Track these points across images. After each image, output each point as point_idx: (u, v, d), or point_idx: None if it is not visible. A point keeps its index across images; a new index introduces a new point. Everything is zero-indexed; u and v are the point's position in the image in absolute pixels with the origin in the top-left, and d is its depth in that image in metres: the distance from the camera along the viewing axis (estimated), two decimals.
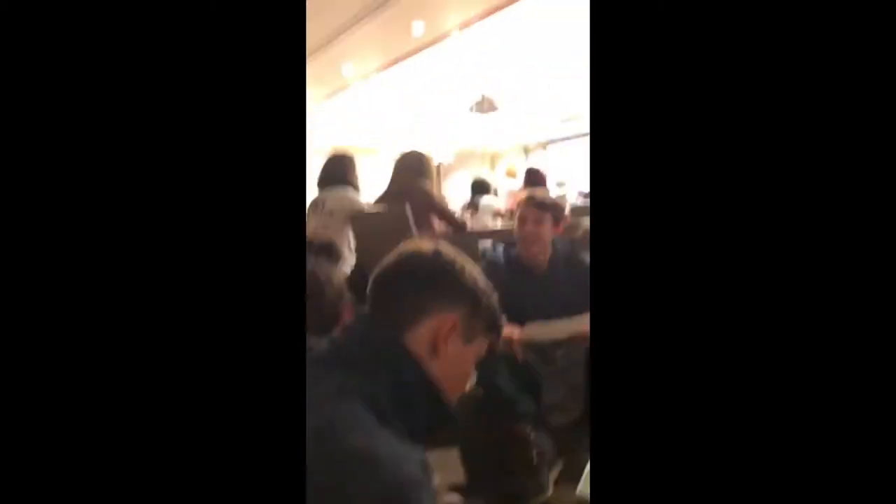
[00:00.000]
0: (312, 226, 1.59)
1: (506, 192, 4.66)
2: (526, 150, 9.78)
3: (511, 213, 2.57)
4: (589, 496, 0.89)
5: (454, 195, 5.88)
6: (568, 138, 8.84)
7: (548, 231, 1.30)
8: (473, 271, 0.61)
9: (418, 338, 0.55)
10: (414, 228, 1.63)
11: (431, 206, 1.82)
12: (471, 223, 2.72)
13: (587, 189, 3.18)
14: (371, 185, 2.11)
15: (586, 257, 1.30)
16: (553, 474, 1.16)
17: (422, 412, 0.52)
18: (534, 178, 2.79)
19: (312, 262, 0.91)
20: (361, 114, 6.91)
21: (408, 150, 2.00)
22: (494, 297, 0.62)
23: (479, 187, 3.44)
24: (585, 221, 1.91)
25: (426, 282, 0.58)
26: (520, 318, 1.19)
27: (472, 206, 3.27)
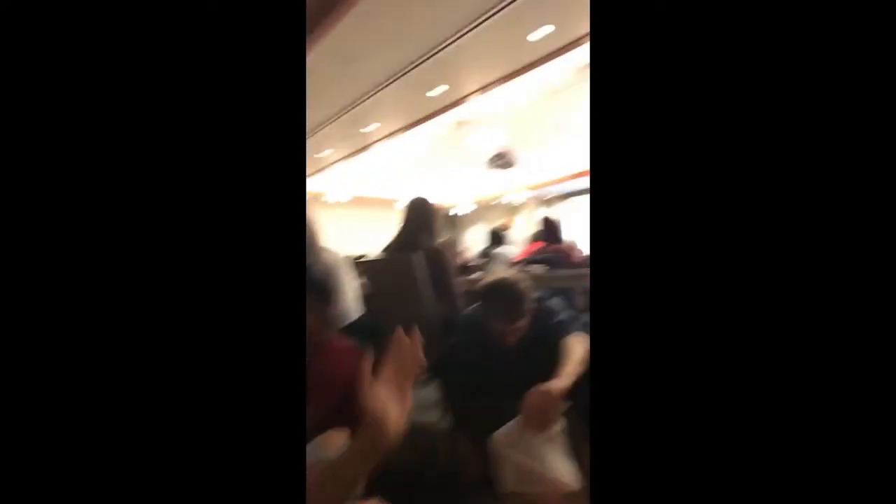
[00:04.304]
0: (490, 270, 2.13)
1: (521, 243, 4.75)
2: (543, 203, 9.95)
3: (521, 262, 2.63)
4: None
5: (472, 244, 6.02)
6: (583, 192, 9.00)
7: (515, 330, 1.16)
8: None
9: None
10: (431, 288, 1.61)
11: (445, 267, 1.78)
12: (484, 272, 2.79)
13: None
14: (388, 235, 2.15)
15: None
16: None
17: None
18: (549, 228, 2.87)
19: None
20: (383, 168, 7.27)
21: (416, 197, 1.96)
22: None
23: (495, 237, 3.55)
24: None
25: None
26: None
27: (486, 255, 3.35)
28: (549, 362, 1.06)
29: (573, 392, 0.97)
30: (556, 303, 1.26)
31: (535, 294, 1.24)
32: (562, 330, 1.15)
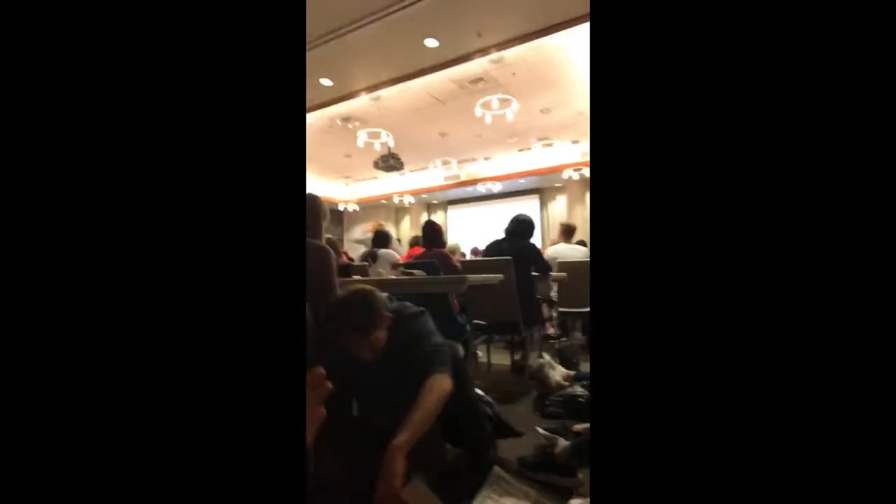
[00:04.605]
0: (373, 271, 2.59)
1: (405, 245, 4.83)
2: (429, 207, 10.23)
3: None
4: None
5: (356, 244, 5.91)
6: (467, 200, 9.51)
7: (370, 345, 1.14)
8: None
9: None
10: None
11: (329, 266, 1.75)
12: (369, 272, 2.77)
13: (480, 247, 3.50)
14: None
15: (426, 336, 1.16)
16: None
17: None
18: (432, 233, 2.97)
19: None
20: None
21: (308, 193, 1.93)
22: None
23: (380, 238, 3.54)
24: (472, 276, 2.06)
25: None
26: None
27: (371, 255, 3.33)
28: (414, 374, 1.06)
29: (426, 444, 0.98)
30: (424, 322, 1.20)
31: (405, 309, 1.22)
32: (427, 362, 1.10)
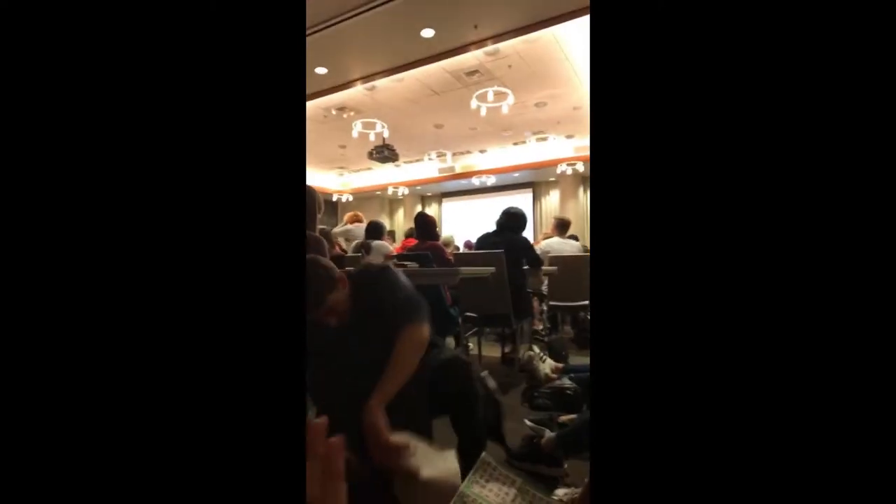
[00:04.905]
0: (365, 261, 2.61)
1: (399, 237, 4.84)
2: (423, 199, 10.22)
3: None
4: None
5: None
6: (462, 193, 9.51)
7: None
8: None
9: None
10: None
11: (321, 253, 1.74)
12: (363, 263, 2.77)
13: (474, 240, 3.51)
14: None
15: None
16: None
17: None
18: (424, 225, 2.97)
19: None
20: None
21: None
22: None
23: (373, 229, 3.54)
24: (464, 269, 2.07)
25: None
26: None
27: (365, 247, 3.33)
28: (390, 328, 1.03)
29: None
30: (389, 276, 1.15)
31: (369, 268, 1.19)
32: (399, 313, 1.06)
